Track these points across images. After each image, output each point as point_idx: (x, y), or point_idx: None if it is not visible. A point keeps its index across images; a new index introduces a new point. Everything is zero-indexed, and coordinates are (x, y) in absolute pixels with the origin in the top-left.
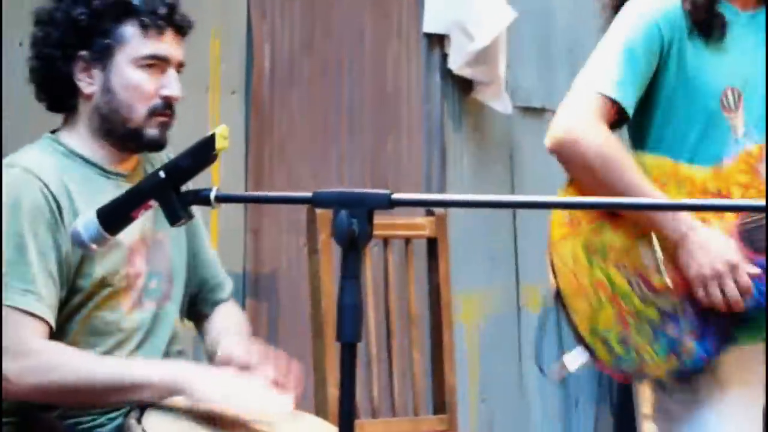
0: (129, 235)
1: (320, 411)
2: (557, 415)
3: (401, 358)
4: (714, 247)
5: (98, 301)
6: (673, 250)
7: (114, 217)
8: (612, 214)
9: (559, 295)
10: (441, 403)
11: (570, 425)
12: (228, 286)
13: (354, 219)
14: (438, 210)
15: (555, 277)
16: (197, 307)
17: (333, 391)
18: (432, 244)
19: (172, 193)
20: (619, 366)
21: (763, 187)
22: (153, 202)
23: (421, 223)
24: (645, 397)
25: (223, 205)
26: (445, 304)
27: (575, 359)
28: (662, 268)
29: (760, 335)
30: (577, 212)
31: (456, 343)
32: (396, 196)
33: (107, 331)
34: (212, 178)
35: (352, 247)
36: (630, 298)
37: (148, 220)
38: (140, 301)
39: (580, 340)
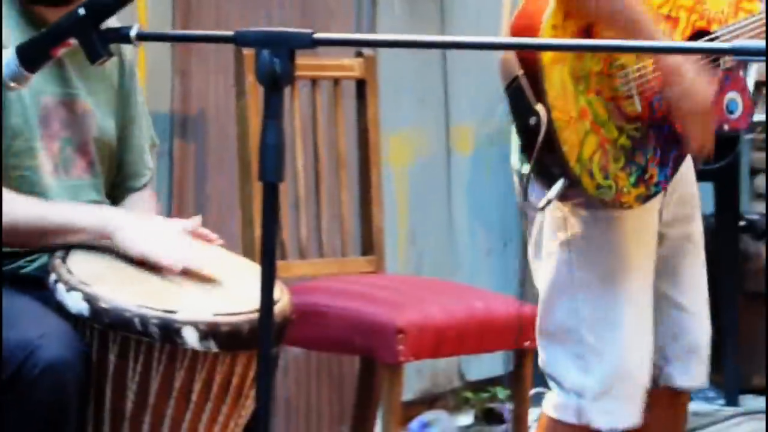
0: (45, 94)
1: (247, 252)
2: (485, 258)
3: (329, 199)
4: (701, 86)
5: (16, 160)
6: (657, 80)
7: (33, 53)
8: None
9: (549, 126)
10: (369, 245)
11: (498, 267)
12: (146, 177)
13: (276, 58)
14: (367, 51)
15: (546, 106)
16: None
17: (260, 232)
18: (361, 85)
19: (92, 30)
20: (600, 195)
21: (705, 9)
22: (72, 40)
23: (349, 64)
24: (570, 223)
25: (151, 47)
26: (373, 145)
27: (554, 192)
28: (635, 94)
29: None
30: (560, 35)
31: (385, 184)
32: (318, 35)
33: (30, 194)
34: (139, 18)
35: (274, 86)
36: (608, 126)
37: (74, 86)
38: (58, 168)
39: (563, 172)
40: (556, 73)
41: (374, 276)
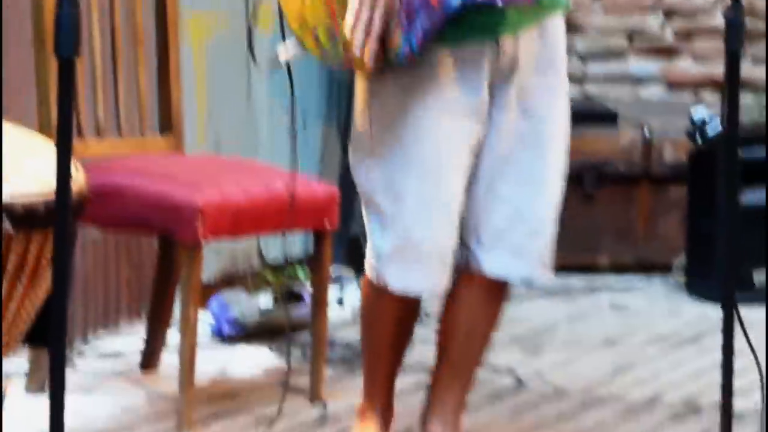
0: None
1: (43, 128)
2: (285, 135)
3: (127, 77)
4: None
5: None
6: None
7: None
8: None
9: None
10: (167, 123)
11: (298, 144)
12: None
13: None
14: None
15: None
16: None
17: (56, 109)
18: None
19: None
20: (326, 58)
21: None
22: None
23: None
24: (372, 88)
25: None
26: (171, 22)
27: (289, 50)
28: None
29: (470, 35)
30: None
31: (183, 63)
32: None
33: None
34: None
35: None
36: None
37: None
38: None
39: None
40: None
41: (173, 155)
